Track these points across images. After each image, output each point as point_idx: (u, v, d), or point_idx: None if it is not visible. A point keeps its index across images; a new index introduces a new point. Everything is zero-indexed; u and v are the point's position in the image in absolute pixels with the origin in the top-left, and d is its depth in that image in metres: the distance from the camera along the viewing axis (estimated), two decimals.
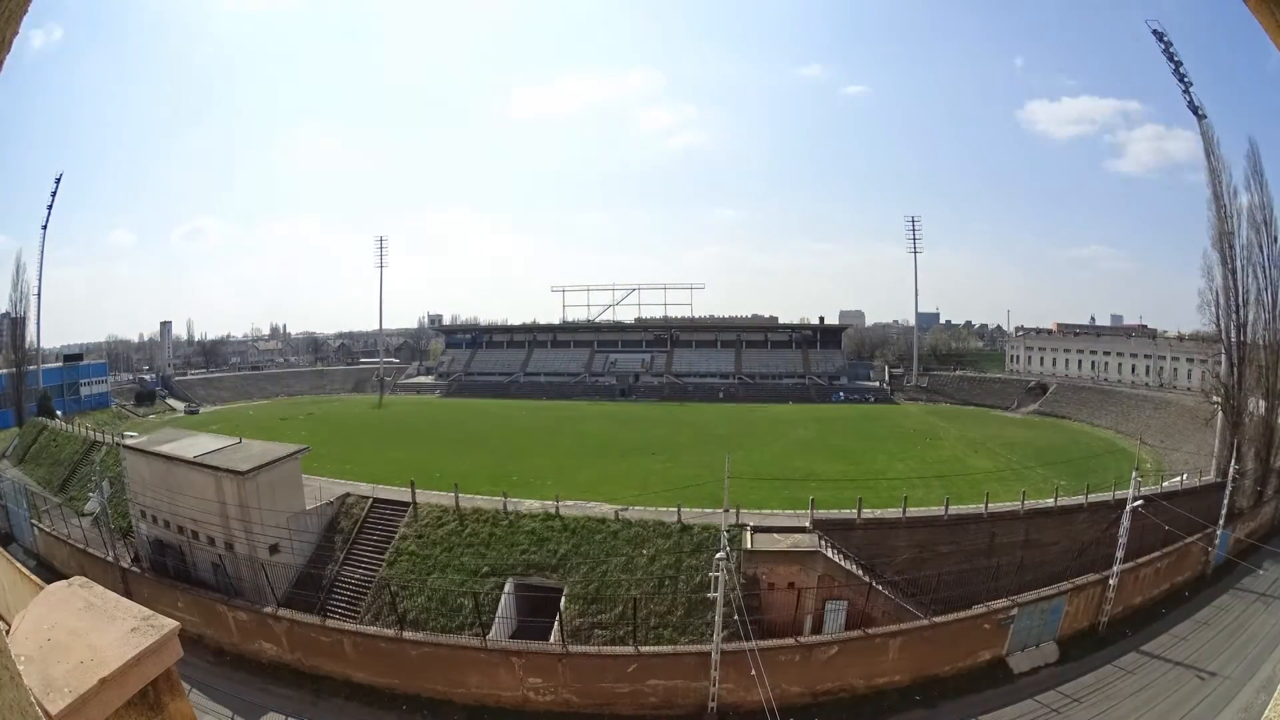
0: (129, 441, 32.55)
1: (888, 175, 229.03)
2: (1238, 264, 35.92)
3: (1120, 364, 72.44)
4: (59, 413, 60.84)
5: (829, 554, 23.18)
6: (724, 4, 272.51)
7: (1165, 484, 32.91)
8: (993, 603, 22.13)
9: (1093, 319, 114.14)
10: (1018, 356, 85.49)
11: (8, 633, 1.93)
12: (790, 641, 20.40)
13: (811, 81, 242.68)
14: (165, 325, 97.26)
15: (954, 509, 26.87)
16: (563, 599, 22.86)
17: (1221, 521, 28.15)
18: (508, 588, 23.92)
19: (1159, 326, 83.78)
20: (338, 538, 27.36)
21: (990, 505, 27.32)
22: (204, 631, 23.41)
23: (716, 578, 18.30)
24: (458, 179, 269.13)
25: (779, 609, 21.98)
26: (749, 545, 23.48)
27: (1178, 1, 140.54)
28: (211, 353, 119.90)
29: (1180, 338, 68.34)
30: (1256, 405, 35.26)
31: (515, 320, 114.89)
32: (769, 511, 27.43)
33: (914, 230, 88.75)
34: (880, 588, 22.36)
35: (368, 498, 28.87)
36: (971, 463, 42.51)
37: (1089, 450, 45.68)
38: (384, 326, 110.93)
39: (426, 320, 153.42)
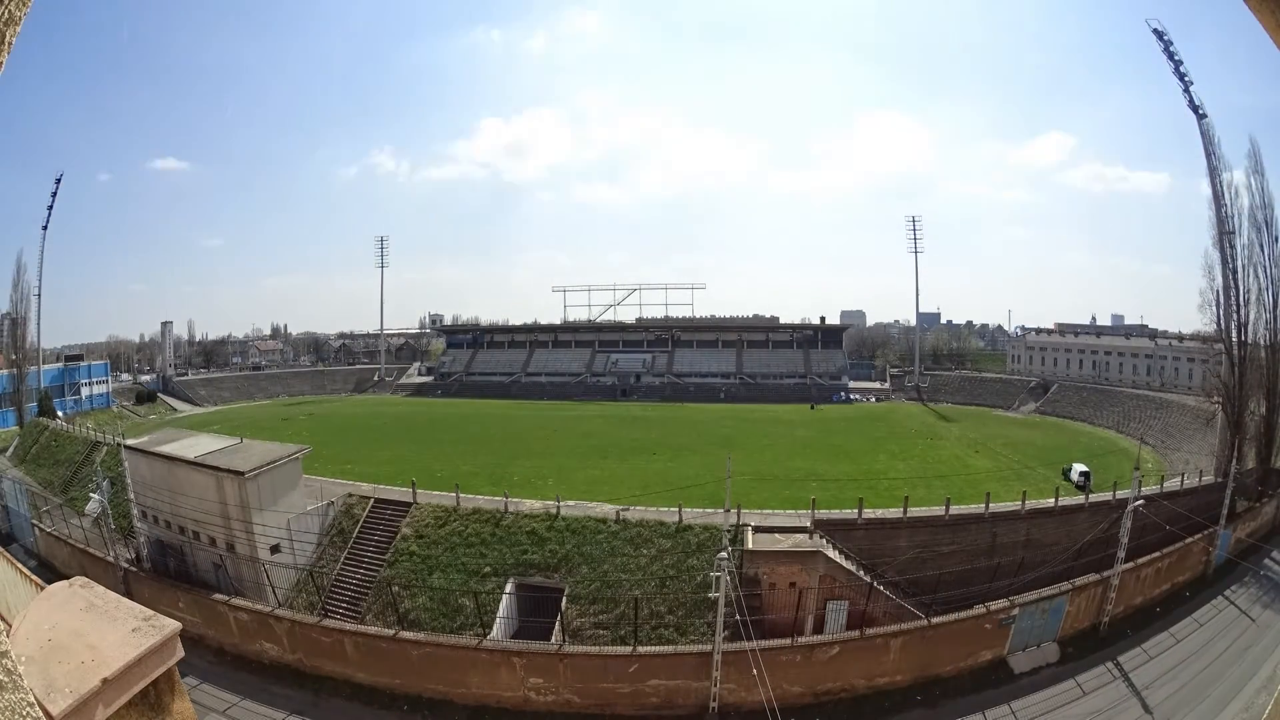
0: (130, 442, 32.53)
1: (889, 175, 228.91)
2: (1238, 264, 35.88)
3: (1121, 364, 72.41)
4: (60, 413, 60.96)
5: (830, 554, 23.15)
6: None
7: (1166, 484, 32.88)
8: (993, 603, 22.09)
9: (1093, 319, 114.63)
10: (1019, 356, 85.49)
11: (8, 633, 1.92)
12: (791, 642, 20.36)
13: None
14: (166, 325, 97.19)
15: (955, 509, 26.81)
16: (564, 599, 22.84)
17: (1222, 521, 28.11)
18: (508, 588, 23.90)
19: (1159, 326, 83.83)
20: (339, 538, 27.36)
21: (991, 505, 27.26)
22: (205, 632, 23.43)
23: (718, 578, 18.29)
24: None
25: (780, 609, 21.92)
26: (750, 545, 23.43)
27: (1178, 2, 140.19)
28: (212, 353, 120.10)
29: (1181, 338, 68.23)
30: (1257, 405, 35.16)
31: (516, 320, 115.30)
32: (770, 511, 27.41)
33: (914, 230, 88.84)
34: (881, 588, 22.32)
35: (369, 498, 28.88)
36: (972, 463, 42.50)
37: (1090, 450, 45.65)
38: (385, 327, 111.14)
39: (427, 320, 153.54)
